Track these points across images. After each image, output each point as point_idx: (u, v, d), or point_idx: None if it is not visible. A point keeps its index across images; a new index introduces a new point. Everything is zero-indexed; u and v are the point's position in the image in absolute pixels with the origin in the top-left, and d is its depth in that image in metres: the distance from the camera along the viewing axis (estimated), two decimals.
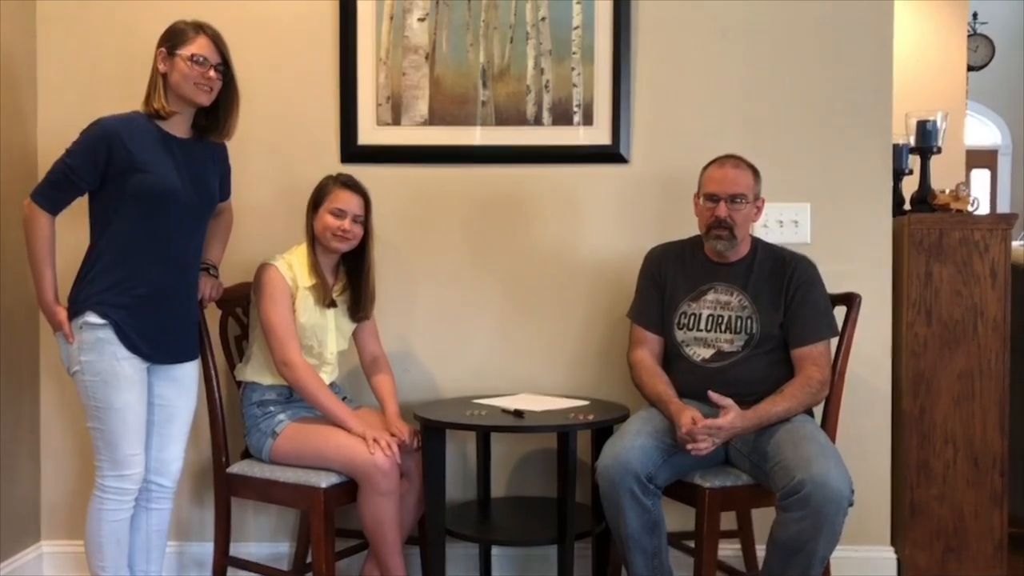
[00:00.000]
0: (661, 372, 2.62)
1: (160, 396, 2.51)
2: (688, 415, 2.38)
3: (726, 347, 2.58)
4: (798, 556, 2.26)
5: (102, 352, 2.36)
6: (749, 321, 2.57)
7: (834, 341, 2.61)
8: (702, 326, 2.61)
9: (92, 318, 2.36)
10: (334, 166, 2.91)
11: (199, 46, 2.40)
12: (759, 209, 2.63)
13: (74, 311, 2.38)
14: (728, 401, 2.39)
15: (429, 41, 3.00)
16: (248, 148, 2.77)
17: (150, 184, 2.36)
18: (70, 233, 2.52)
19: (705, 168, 2.63)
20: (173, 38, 2.40)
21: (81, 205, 2.44)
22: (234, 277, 2.80)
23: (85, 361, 2.37)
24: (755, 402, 2.46)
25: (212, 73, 2.42)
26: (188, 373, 2.57)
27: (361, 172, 2.80)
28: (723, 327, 2.59)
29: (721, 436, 2.38)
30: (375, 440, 2.50)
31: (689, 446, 2.36)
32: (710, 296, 2.63)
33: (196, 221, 2.52)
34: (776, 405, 2.44)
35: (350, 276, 2.74)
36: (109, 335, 2.36)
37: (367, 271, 2.72)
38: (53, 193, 2.37)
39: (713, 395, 2.41)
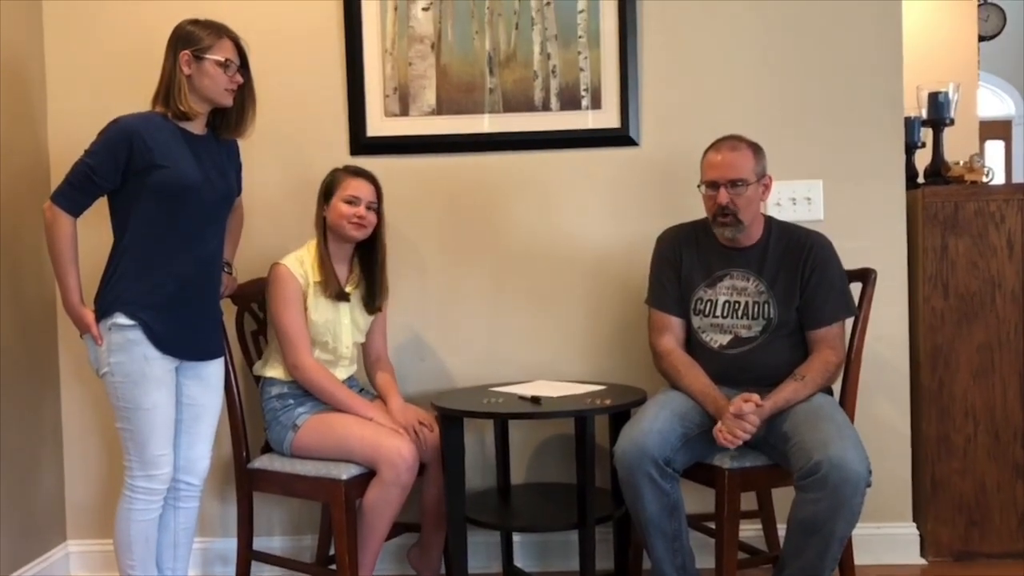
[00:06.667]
0: (696, 364, 2.57)
1: (188, 395, 2.52)
2: (740, 398, 2.37)
3: (743, 333, 2.57)
4: (816, 536, 2.26)
5: (131, 353, 2.37)
6: (766, 306, 2.55)
7: (851, 319, 2.60)
8: (719, 312, 2.60)
9: (121, 319, 2.36)
10: (344, 159, 2.91)
11: (228, 50, 2.42)
12: (767, 187, 2.59)
13: (102, 312, 2.38)
14: (748, 407, 2.37)
15: (434, 30, 2.99)
16: (258, 144, 2.77)
17: (172, 179, 2.36)
18: (91, 234, 2.53)
19: (704, 154, 2.59)
20: (196, 41, 2.39)
21: (101, 206, 2.44)
22: (247, 273, 2.81)
23: (114, 362, 2.38)
24: (774, 387, 2.45)
25: (237, 76, 2.44)
26: (215, 371, 2.58)
27: (371, 164, 2.80)
28: (740, 313, 2.57)
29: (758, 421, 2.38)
30: (412, 427, 2.57)
31: (725, 433, 2.36)
32: (726, 282, 2.61)
33: (217, 216, 2.52)
34: (798, 394, 2.43)
35: (363, 267, 2.75)
36: (138, 336, 2.36)
37: (380, 261, 2.73)
38: (74, 194, 2.36)
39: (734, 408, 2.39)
